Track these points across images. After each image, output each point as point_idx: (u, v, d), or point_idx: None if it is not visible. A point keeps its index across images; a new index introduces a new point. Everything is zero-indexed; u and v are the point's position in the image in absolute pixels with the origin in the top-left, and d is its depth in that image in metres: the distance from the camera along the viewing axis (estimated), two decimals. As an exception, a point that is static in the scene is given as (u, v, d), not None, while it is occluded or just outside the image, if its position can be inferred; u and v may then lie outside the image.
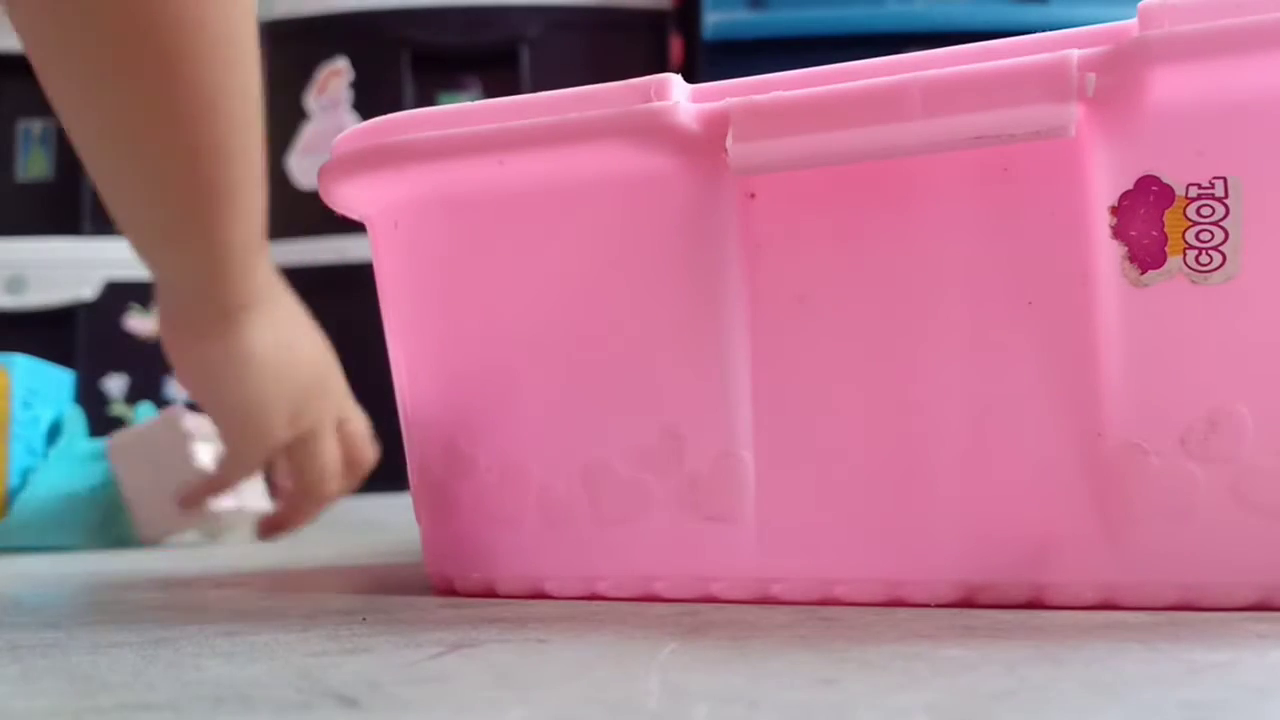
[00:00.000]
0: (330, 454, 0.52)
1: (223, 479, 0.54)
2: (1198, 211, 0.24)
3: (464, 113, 0.30)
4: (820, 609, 0.27)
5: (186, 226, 0.43)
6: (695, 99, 0.28)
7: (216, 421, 0.52)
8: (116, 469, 0.66)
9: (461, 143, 0.29)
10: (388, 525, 0.77)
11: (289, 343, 0.50)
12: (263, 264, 0.46)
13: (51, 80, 0.40)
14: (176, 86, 0.38)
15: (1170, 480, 0.25)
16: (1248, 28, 0.23)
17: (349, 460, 0.54)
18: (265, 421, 0.50)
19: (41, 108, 1.41)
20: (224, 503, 0.63)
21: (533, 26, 1.24)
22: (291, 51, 1.16)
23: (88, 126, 0.42)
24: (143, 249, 0.46)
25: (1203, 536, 0.25)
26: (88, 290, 1.26)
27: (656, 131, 0.28)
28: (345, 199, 0.33)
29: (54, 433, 0.71)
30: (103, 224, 1.29)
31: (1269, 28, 0.23)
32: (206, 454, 0.65)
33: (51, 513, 0.65)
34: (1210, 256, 0.24)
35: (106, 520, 0.66)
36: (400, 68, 1.20)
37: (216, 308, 0.46)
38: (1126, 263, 0.25)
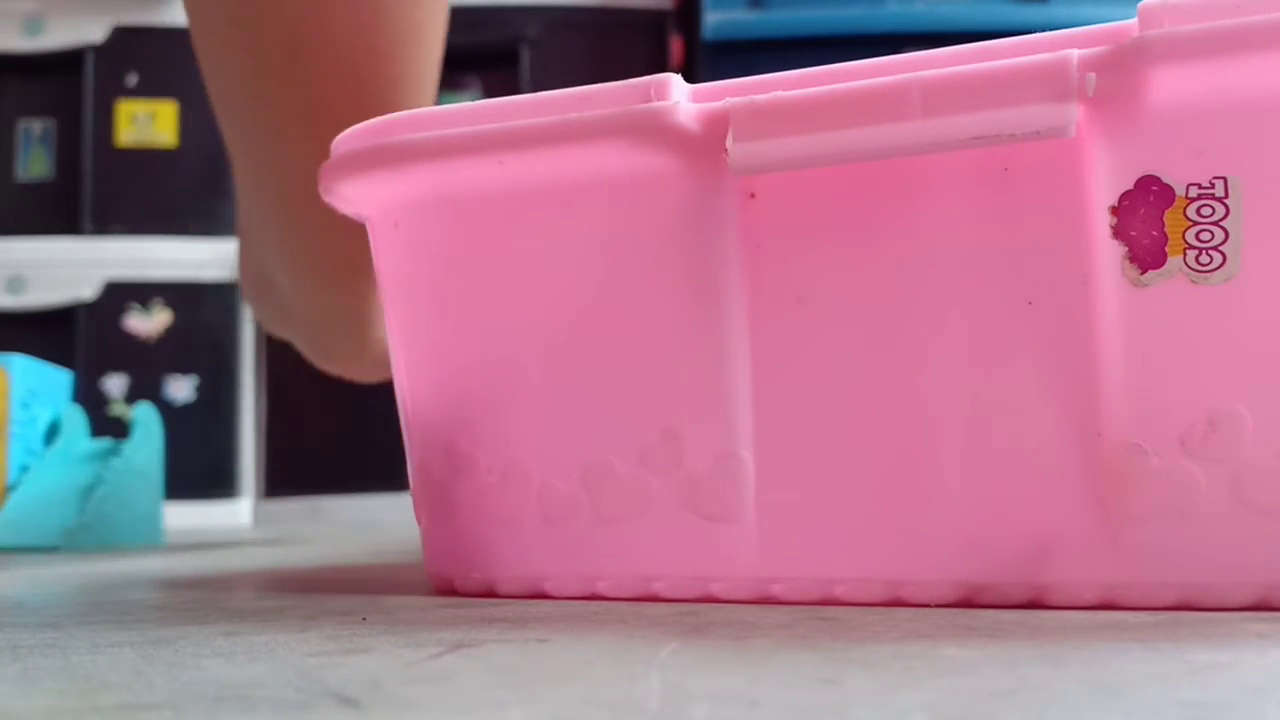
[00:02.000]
0: None
1: None
2: (1198, 211, 0.24)
3: (464, 113, 0.30)
4: (820, 609, 0.27)
5: None
6: (695, 99, 0.28)
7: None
8: None
9: (461, 143, 0.29)
10: (388, 525, 0.77)
11: None
12: None
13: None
14: None
15: (1170, 480, 0.25)
16: (1248, 28, 0.23)
17: None
18: None
19: (41, 108, 1.41)
20: None
21: (533, 26, 1.24)
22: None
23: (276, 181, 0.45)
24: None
25: (1203, 536, 0.25)
26: (88, 290, 1.26)
27: (656, 131, 0.28)
28: (345, 199, 0.33)
29: (53, 433, 0.71)
30: (103, 224, 1.29)
31: (1269, 28, 0.23)
32: None
33: (36, 513, 0.65)
34: (1210, 256, 0.24)
35: (91, 522, 0.66)
36: (400, 68, 1.20)
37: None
38: (1127, 263, 0.25)
